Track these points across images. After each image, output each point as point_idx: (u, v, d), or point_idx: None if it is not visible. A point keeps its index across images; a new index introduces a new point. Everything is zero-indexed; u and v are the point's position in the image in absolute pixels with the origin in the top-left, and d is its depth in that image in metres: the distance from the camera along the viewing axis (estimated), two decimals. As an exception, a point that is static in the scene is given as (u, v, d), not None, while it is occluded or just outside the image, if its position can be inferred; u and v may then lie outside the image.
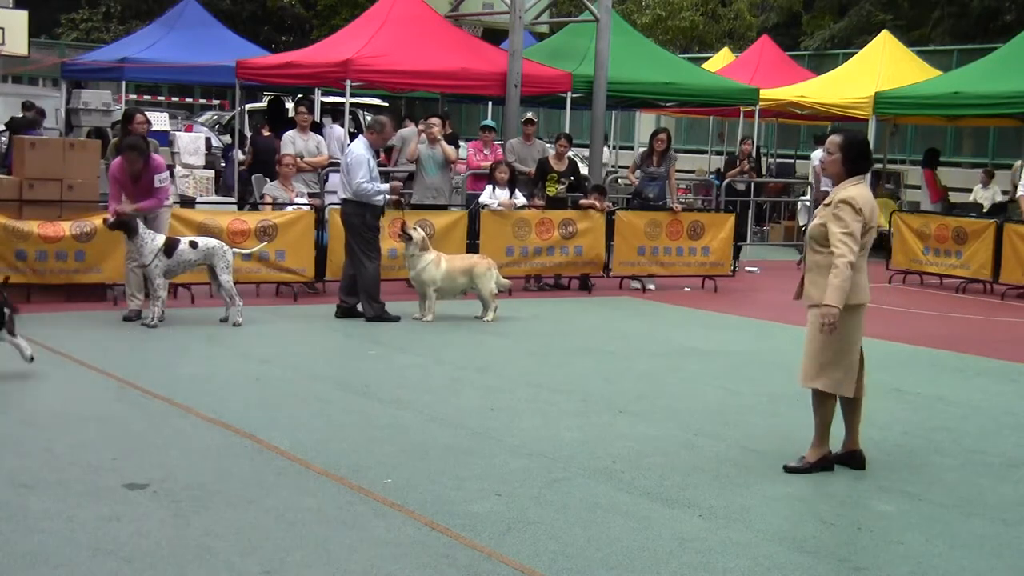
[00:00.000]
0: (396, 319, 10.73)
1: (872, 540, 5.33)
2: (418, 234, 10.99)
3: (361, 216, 10.79)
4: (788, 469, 6.36)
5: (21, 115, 17.98)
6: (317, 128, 14.77)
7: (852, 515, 5.68)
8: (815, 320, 6.26)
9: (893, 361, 9.84)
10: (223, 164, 21.05)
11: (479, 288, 10.98)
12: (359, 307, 10.86)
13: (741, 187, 17.71)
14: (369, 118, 13.77)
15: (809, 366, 6.36)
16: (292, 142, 13.22)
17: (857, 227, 6.13)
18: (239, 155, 16.54)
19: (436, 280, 10.88)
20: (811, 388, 6.41)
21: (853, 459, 6.49)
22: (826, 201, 6.35)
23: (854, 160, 6.30)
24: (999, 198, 18.59)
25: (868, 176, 6.52)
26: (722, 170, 18.24)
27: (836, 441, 6.49)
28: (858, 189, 6.25)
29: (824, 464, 6.39)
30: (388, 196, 11.01)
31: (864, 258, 6.28)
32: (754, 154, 19.25)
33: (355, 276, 10.85)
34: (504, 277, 13.13)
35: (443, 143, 13.69)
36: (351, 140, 12.57)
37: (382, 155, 18.60)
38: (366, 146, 10.84)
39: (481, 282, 10.97)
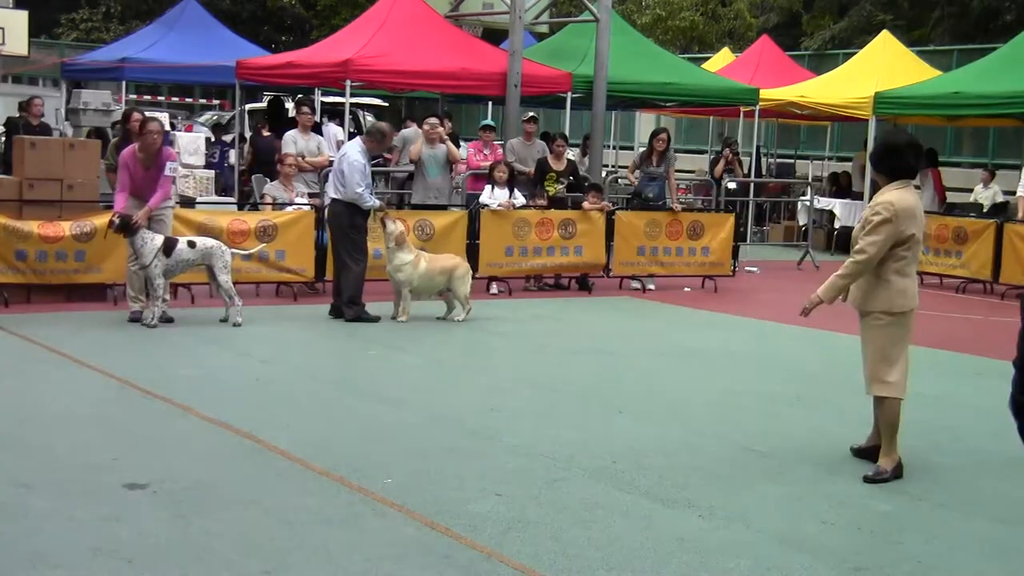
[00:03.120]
0: (376, 319, 10.68)
1: (872, 540, 5.33)
2: (395, 226, 10.83)
3: (350, 216, 10.75)
4: (867, 480, 6.22)
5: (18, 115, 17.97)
6: (318, 128, 14.76)
7: (852, 515, 5.68)
8: (867, 327, 6.34)
9: (893, 361, 9.84)
10: (215, 158, 21.00)
11: (455, 290, 10.85)
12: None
13: (733, 186, 17.71)
14: (371, 121, 13.76)
15: (872, 372, 6.35)
16: (294, 142, 13.20)
17: (882, 232, 6.13)
18: (233, 156, 16.55)
19: (412, 281, 10.75)
20: (874, 396, 6.39)
21: (872, 453, 6.47)
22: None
23: (877, 165, 6.37)
24: (999, 198, 18.59)
25: (913, 180, 6.40)
26: (710, 169, 18.33)
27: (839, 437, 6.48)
28: (896, 194, 6.23)
29: (898, 472, 6.29)
30: (375, 207, 10.92)
31: (909, 264, 6.30)
32: (753, 154, 19.27)
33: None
34: (503, 278, 13.21)
35: (449, 144, 13.70)
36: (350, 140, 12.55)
37: (383, 155, 18.65)
38: (362, 151, 10.77)
39: (458, 284, 10.86)
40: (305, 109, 13.83)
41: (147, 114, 11.46)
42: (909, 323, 6.37)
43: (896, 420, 6.32)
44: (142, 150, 10.05)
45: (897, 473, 6.27)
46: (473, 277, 11.52)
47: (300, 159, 12.98)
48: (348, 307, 10.71)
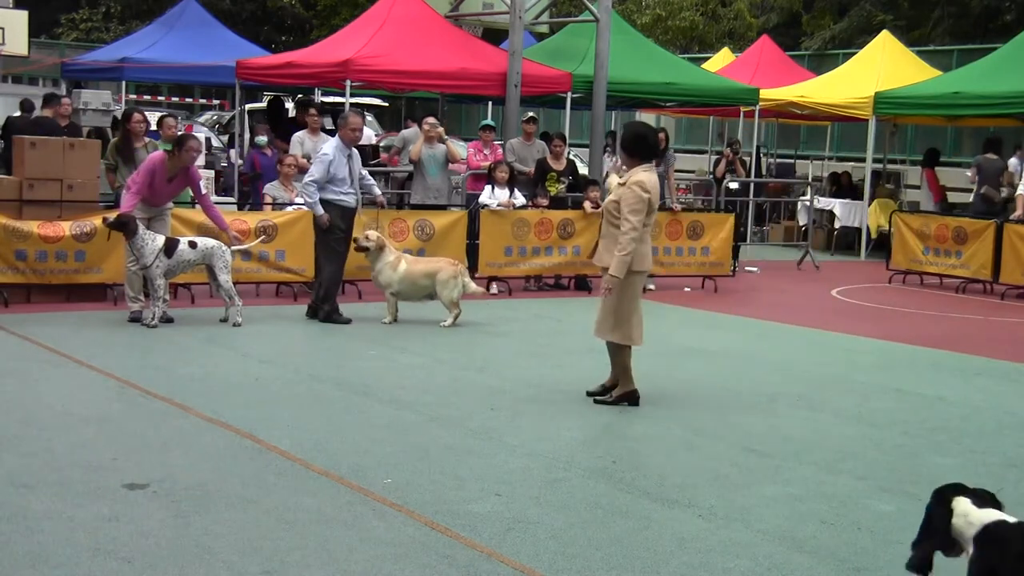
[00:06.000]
0: (347, 321, 10.61)
1: (872, 540, 5.33)
2: (369, 241, 10.67)
3: (330, 217, 10.69)
4: (590, 394, 7.75)
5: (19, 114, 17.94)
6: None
7: (852, 515, 5.68)
8: (605, 284, 7.48)
9: (893, 361, 9.85)
10: (224, 164, 21.04)
11: (439, 294, 10.69)
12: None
13: (734, 186, 17.70)
14: (370, 121, 13.72)
15: (603, 322, 7.61)
16: (301, 143, 13.15)
17: (642, 207, 7.30)
18: (235, 157, 16.52)
19: (392, 283, 10.64)
20: (606, 340, 7.67)
21: (606, 391, 7.74)
22: (620, 182, 7.56)
23: (631, 151, 7.53)
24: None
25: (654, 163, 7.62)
26: (711, 169, 18.31)
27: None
28: (646, 175, 7.39)
29: (630, 399, 7.63)
30: (318, 219, 10.63)
31: (648, 231, 7.53)
32: (753, 153, 19.26)
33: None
34: (503, 278, 13.21)
35: (451, 143, 13.66)
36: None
37: (383, 155, 18.67)
38: (337, 147, 10.63)
39: (442, 288, 10.67)
40: (313, 111, 13.73)
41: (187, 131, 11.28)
42: (640, 282, 7.66)
43: (627, 362, 7.63)
44: (171, 160, 10.02)
45: (628, 399, 7.59)
46: (473, 277, 11.51)
47: (303, 159, 12.93)
48: (320, 305, 10.67)
